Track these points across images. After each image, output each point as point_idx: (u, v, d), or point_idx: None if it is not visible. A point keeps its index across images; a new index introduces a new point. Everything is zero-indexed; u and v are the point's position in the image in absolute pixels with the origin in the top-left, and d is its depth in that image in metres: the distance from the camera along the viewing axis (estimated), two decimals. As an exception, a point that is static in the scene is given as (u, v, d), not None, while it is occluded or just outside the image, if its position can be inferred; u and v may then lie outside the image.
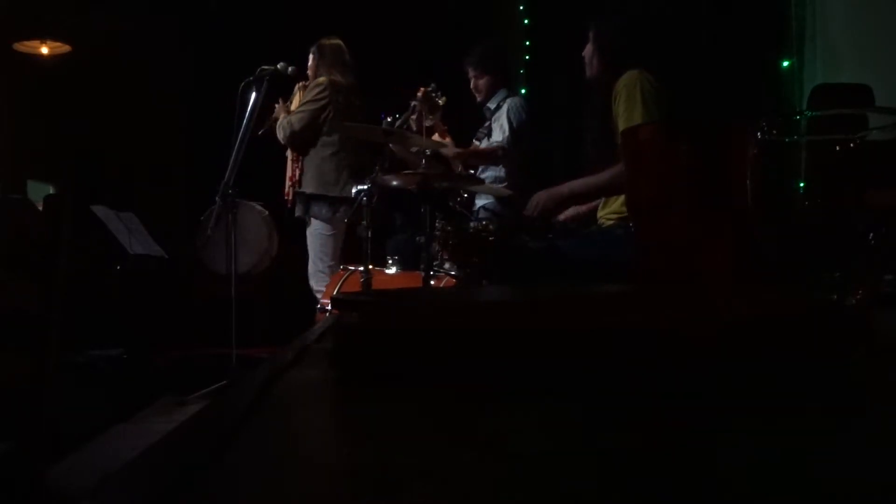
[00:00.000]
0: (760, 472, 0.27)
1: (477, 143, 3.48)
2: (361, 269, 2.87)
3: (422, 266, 2.50)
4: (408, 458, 0.29)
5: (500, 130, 3.32)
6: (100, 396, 3.15)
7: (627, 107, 2.14)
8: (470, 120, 3.63)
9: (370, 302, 0.55)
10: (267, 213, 4.09)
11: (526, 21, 4.73)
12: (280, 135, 3.62)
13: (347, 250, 3.56)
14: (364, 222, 2.85)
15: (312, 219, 3.62)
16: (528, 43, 4.68)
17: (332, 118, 3.53)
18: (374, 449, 0.31)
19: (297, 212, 3.67)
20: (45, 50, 5.06)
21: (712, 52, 2.98)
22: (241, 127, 3.19)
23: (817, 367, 0.43)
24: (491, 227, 2.31)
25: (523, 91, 4.33)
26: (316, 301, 3.45)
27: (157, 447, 0.30)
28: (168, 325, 4.26)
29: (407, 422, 0.36)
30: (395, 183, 2.70)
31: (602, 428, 0.34)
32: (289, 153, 3.72)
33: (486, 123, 3.46)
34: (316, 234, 3.62)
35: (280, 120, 3.62)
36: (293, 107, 3.69)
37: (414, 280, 2.83)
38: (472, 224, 2.38)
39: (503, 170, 3.36)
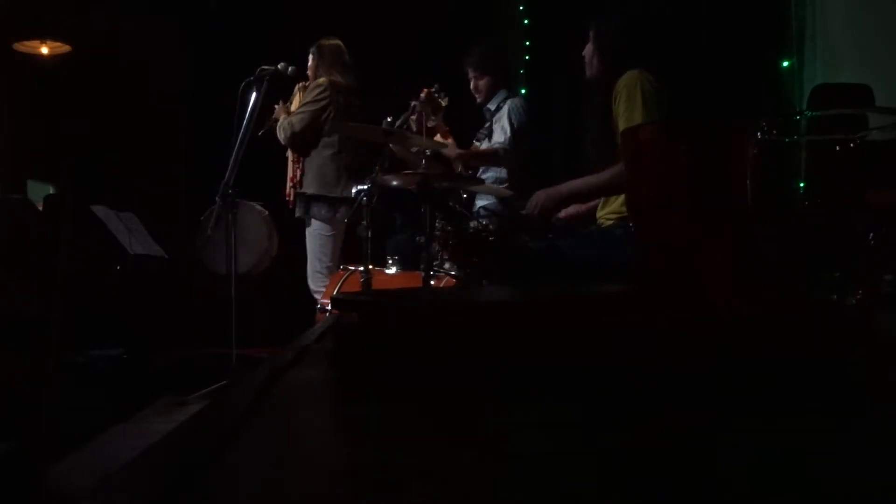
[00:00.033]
0: (760, 472, 0.27)
1: (477, 143, 3.48)
2: (361, 269, 2.87)
3: (422, 266, 2.50)
4: (408, 458, 0.29)
5: (501, 131, 3.32)
6: (100, 396, 3.15)
7: (628, 107, 2.14)
8: (470, 121, 3.63)
9: (370, 302, 0.55)
10: (267, 213, 4.09)
11: (526, 21, 4.73)
12: (281, 136, 3.62)
13: (347, 250, 3.56)
14: (364, 222, 2.85)
15: (312, 219, 3.62)
16: (528, 43, 4.68)
17: (332, 119, 3.53)
18: (374, 449, 0.31)
19: (298, 212, 3.67)
20: (45, 50, 5.06)
21: (712, 52, 2.98)
22: (241, 127, 3.19)
23: (817, 367, 0.43)
24: (491, 227, 2.31)
25: (523, 91, 4.33)
26: (315, 301, 3.45)
27: (157, 447, 0.30)
28: (168, 325, 4.26)
29: (407, 422, 0.36)
30: (395, 183, 2.70)
31: (602, 428, 0.34)
32: (289, 154, 3.72)
33: (487, 124, 3.46)
34: (315, 234, 3.62)
35: (280, 121, 3.62)
36: (293, 107, 3.69)
37: (414, 280, 2.83)
38: (472, 224, 2.38)
39: (504, 171, 3.36)
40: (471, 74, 3.45)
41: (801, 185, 0.49)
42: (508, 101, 3.39)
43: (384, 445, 0.31)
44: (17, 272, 1.09)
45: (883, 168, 0.48)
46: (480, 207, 3.25)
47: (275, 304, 4.56)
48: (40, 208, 1.16)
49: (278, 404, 0.40)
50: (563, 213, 2.51)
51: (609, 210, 2.35)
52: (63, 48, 5.09)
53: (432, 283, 2.53)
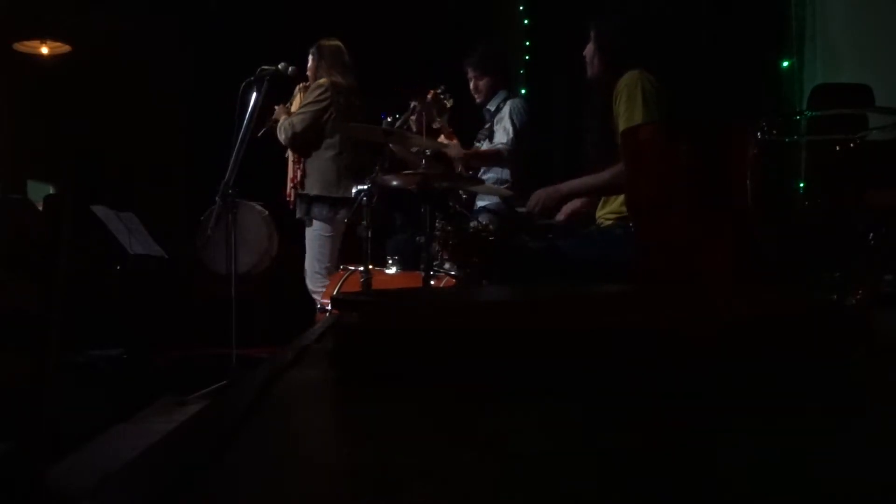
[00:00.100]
0: (760, 472, 0.27)
1: (478, 144, 3.47)
2: (361, 269, 2.87)
3: (422, 266, 2.50)
4: (408, 458, 0.29)
5: (503, 132, 3.32)
6: (100, 396, 3.15)
7: (628, 107, 2.14)
8: (469, 121, 3.63)
9: (370, 302, 0.55)
10: (267, 213, 4.08)
11: (526, 21, 4.73)
12: (281, 136, 3.61)
13: (347, 250, 3.56)
14: (364, 222, 2.85)
15: (314, 220, 3.62)
16: (528, 43, 4.68)
17: (334, 120, 3.53)
18: (374, 449, 0.31)
19: (299, 213, 3.67)
20: (45, 50, 5.06)
21: (712, 52, 2.98)
22: (241, 127, 3.19)
23: (817, 367, 0.43)
24: (491, 227, 2.31)
25: (523, 91, 4.33)
26: (314, 301, 3.45)
27: (157, 447, 0.30)
28: (168, 325, 4.26)
29: (407, 422, 0.36)
30: (395, 183, 2.70)
31: (602, 428, 0.34)
32: (290, 154, 3.72)
33: (487, 125, 3.46)
34: (316, 234, 3.62)
35: (281, 121, 3.62)
36: (293, 108, 3.69)
37: (414, 280, 2.83)
38: (472, 224, 2.38)
39: (504, 171, 3.36)
40: (471, 74, 3.45)
41: (801, 185, 0.49)
42: (509, 102, 3.39)
43: (384, 445, 0.31)
44: (17, 272, 1.09)
45: (883, 168, 0.48)
46: (481, 207, 3.25)
47: (275, 304, 4.56)
48: (40, 208, 1.16)
49: (278, 404, 0.40)
50: (563, 211, 2.51)
51: (609, 210, 2.35)
52: (63, 48, 5.09)
53: (432, 283, 2.53)
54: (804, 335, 0.44)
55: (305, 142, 3.60)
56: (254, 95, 3.21)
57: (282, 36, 4.15)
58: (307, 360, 0.55)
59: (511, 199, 3.07)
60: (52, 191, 4.80)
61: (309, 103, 3.57)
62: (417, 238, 2.69)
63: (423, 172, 2.59)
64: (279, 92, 3.61)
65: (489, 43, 3.59)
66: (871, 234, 0.47)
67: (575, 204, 2.53)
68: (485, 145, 3.42)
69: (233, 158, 3.18)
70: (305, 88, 3.69)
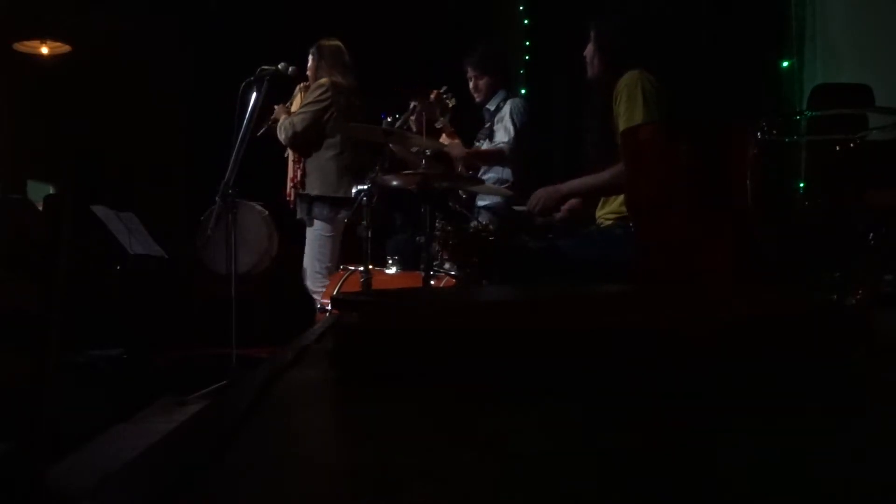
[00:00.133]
0: (760, 472, 0.27)
1: (478, 144, 3.48)
2: (361, 269, 2.87)
3: (422, 266, 2.50)
4: (408, 458, 0.29)
5: (504, 131, 3.32)
6: (100, 396, 3.15)
7: (628, 107, 2.14)
8: (469, 121, 3.64)
9: (370, 302, 0.55)
10: (267, 213, 4.08)
11: (526, 21, 4.73)
12: (282, 136, 3.61)
13: (347, 250, 3.56)
14: (364, 222, 2.85)
15: (314, 220, 3.62)
16: (528, 43, 4.68)
17: (334, 119, 3.53)
18: (374, 449, 0.31)
19: (299, 213, 3.67)
20: (45, 50, 5.06)
21: (712, 52, 2.98)
22: (241, 127, 3.19)
23: (817, 367, 0.43)
24: (491, 227, 2.32)
25: (523, 91, 4.33)
26: (314, 301, 3.45)
27: (157, 447, 0.30)
28: (168, 325, 4.26)
29: (407, 422, 0.36)
30: (395, 183, 2.70)
31: (602, 428, 0.34)
32: (290, 154, 3.72)
33: (487, 125, 3.46)
34: (316, 234, 3.62)
35: (281, 121, 3.62)
36: (294, 108, 3.69)
37: (414, 280, 2.83)
38: (472, 224, 2.38)
39: (505, 171, 3.36)
40: (470, 74, 3.45)
41: (801, 185, 0.49)
42: (509, 102, 3.39)
43: (384, 445, 0.31)
44: (17, 272, 1.09)
45: (883, 168, 0.48)
46: (481, 207, 3.25)
47: (275, 304, 4.56)
48: (40, 208, 1.16)
49: (278, 404, 0.40)
50: (564, 208, 2.51)
51: (609, 210, 2.35)
52: (63, 48, 5.09)
53: (432, 283, 2.53)
54: (804, 335, 0.44)
55: (306, 141, 3.60)
56: (254, 95, 3.21)
57: (282, 36, 4.15)
58: (307, 360, 0.55)
59: (510, 198, 3.07)
60: (52, 191, 4.80)
61: (310, 103, 3.57)
62: (417, 238, 2.69)
63: (423, 172, 2.59)
64: (279, 92, 3.61)
65: (489, 43, 3.59)
66: (871, 234, 0.47)
67: (572, 203, 2.53)
68: (485, 145, 3.42)
69: (233, 158, 3.18)
70: (306, 88, 3.69)
